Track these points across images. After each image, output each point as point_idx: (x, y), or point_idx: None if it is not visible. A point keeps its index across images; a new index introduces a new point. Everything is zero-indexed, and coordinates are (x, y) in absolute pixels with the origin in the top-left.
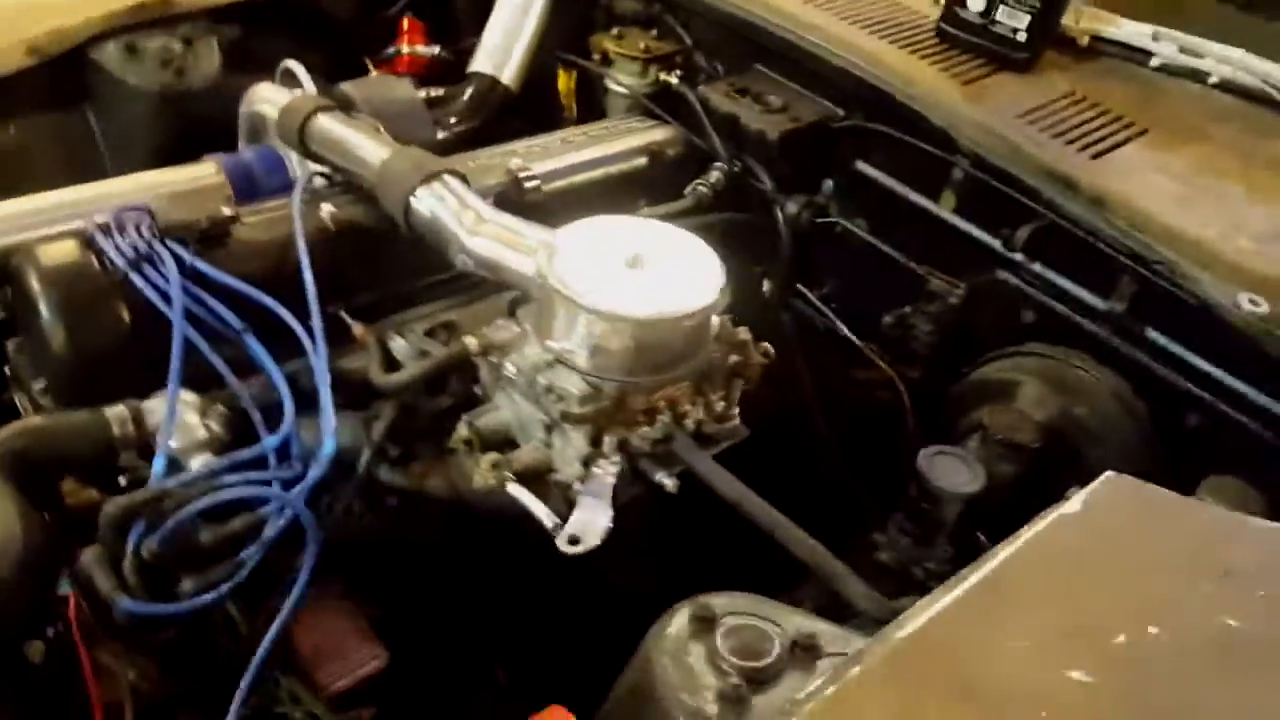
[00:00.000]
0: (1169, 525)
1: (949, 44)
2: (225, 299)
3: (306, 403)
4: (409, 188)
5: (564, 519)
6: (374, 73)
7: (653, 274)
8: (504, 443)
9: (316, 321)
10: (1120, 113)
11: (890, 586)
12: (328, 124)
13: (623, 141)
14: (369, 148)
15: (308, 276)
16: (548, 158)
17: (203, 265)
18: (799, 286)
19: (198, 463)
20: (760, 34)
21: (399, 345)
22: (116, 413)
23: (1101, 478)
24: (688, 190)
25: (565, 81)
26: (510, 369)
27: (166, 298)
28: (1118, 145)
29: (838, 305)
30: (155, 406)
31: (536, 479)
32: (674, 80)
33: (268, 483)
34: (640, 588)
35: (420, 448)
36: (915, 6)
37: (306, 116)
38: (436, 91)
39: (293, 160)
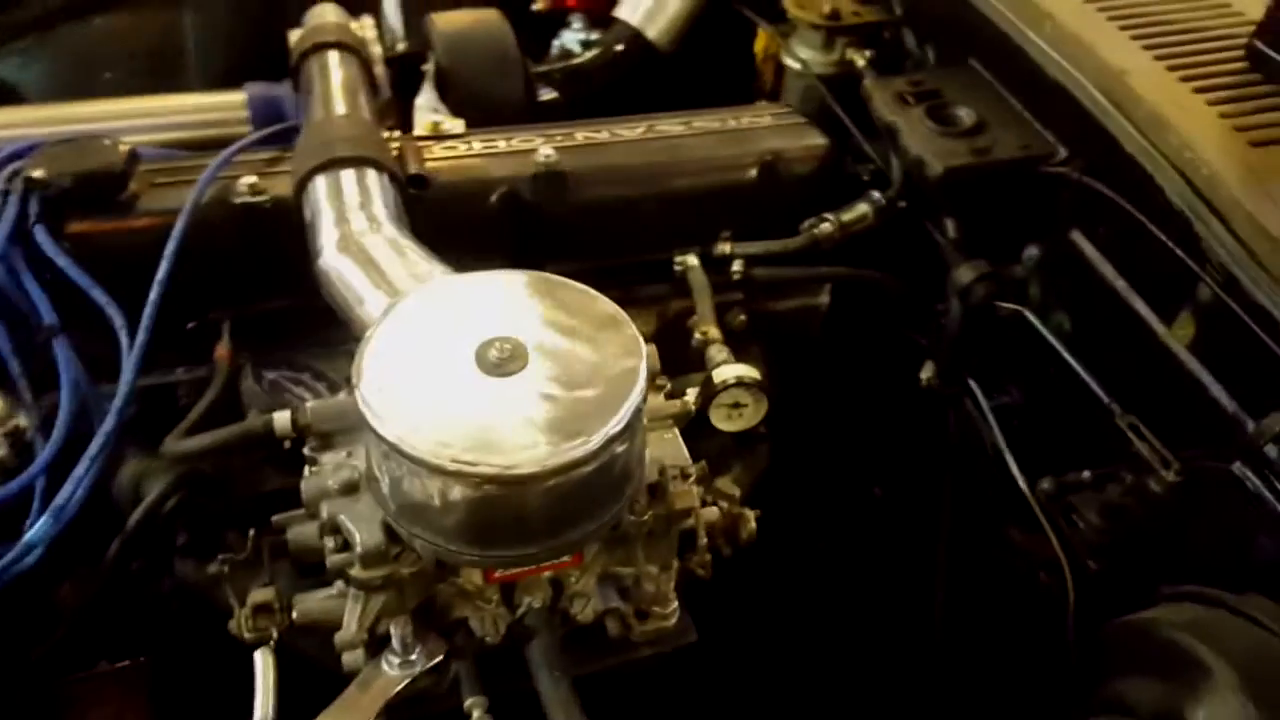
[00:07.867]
0: None
1: (1260, 73)
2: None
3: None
4: (303, 170)
5: None
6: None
7: (523, 385)
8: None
9: (144, 326)
10: None
11: None
12: (317, 64)
13: (736, 143)
14: (323, 100)
15: (162, 266)
16: (608, 151)
17: (41, 234)
18: (971, 384)
19: None
20: (971, 14)
21: (248, 388)
22: None
23: None
24: (805, 224)
25: (764, 43)
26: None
27: None
28: None
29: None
30: None
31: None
32: (861, 61)
33: None
34: None
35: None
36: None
37: (305, 52)
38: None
39: None
